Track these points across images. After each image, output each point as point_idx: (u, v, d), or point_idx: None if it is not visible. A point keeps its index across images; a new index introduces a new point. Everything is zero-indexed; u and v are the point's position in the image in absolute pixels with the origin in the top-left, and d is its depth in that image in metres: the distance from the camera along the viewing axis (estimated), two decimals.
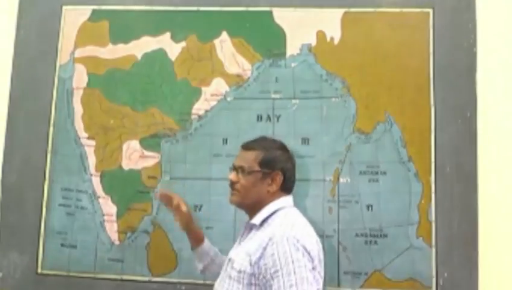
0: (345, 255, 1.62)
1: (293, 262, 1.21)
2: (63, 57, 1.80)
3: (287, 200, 1.39)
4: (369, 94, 1.66)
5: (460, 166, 1.60)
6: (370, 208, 1.62)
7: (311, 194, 1.64)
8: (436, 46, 1.65)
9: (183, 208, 1.50)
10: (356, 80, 1.67)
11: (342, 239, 1.62)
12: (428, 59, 1.65)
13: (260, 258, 1.25)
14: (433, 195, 1.60)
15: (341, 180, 1.64)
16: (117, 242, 1.71)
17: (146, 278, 1.68)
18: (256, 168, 1.37)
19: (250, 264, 1.26)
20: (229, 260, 1.33)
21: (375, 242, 1.61)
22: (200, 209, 1.65)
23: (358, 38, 1.68)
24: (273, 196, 1.38)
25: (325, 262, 1.56)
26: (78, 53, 1.79)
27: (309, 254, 1.24)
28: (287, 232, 1.26)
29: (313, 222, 1.58)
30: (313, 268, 1.24)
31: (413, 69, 1.65)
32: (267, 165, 1.37)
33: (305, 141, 1.66)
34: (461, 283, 1.57)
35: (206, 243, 1.53)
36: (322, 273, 1.31)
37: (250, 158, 1.39)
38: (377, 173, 1.63)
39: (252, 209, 1.38)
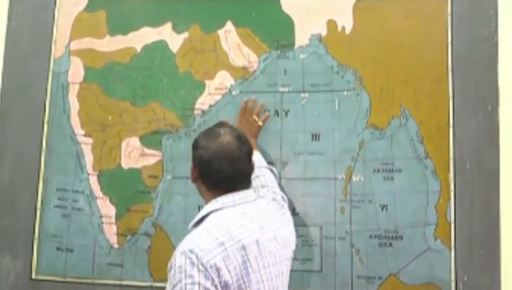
0: (358, 258, 1.61)
1: (185, 278, 1.16)
2: (57, 50, 1.80)
3: (226, 200, 1.30)
4: (383, 87, 1.64)
5: (482, 162, 1.59)
6: (385, 208, 1.61)
7: (322, 194, 1.63)
8: (454, 35, 1.63)
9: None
10: (369, 72, 1.65)
11: (355, 241, 1.61)
12: (446, 49, 1.63)
13: (170, 267, 1.21)
14: (452, 194, 1.59)
15: (354, 178, 1.63)
16: (116, 245, 1.71)
17: (147, 284, 1.68)
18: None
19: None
20: None
21: (390, 244, 1.60)
22: None
23: (372, 27, 1.67)
24: (210, 196, 1.33)
25: (337, 266, 1.61)
26: (74, 45, 1.79)
27: (206, 269, 1.16)
28: (188, 244, 1.19)
29: (324, 223, 1.62)
30: (220, 285, 1.18)
31: (430, 60, 1.63)
32: (192, 154, 1.36)
33: (315, 137, 1.65)
34: (482, 288, 1.56)
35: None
36: (258, 284, 1.24)
37: None
38: (391, 170, 1.62)
39: None
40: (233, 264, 1.20)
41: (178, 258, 1.18)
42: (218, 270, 1.17)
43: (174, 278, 1.17)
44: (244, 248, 1.22)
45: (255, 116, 1.65)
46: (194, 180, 1.37)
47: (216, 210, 1.29)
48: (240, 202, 1.31)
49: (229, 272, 1.19)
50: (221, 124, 1.41)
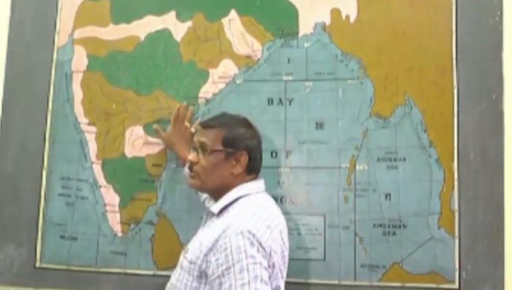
0: (361, 247, 1.62)
1: (246, 258, 1.18)
2: (61, 39, 1.81)
3: (253, 186, 1.37)
4: (387, 76, 1.65)
5: (486, 151, 1.59)
6: (388, 197, 1.62)
7: (326, 183, 1.64)
8: (459, 24, 1.63)
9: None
10: (373, 61, 1.66)
11: (359, 230, 1.62)
12: (451, 38, 1.63)
13: (211, 250, 1.23)
14: (456, 183, 1.60)
15: (357, 167, 1.64)
16: (120, 234, 1.73)
17: (151, 272, 1.70)
18: (219, 147, 1.35)
19: (201, 257, 1.24)
20: (185, 248, 1.33)
21: (394, 233, 1.61)
22: None
23: (376, 16, 1.67)
24: (237, 179, 1.36)
25: (341, 254, 1.62)
26: (78, 34, 1.81)
27: (264, 250, 1.21)
28: (242, 225, 1.22)
29: (327, 212, 1.63)
30: (271, 266, 1.22)
31: (434, 49, 1.64)
32: (231, 144, 1.35)
33: (319, 125, 1.66)
34: (486, 276, 1.56)
35: None
36: (285, 270, 1.31)
37: (211, 136, 1.36)
38: (395, 159, 1.63)
39: (216, 193, 1.37)
40: (277, 247, 1.25)
41: (234, 239, 1.19)
42: (271, 251, 1.22)
43: (228, 259, 1.18)
44: (281, 232, 1.29)
45: (187, 123, 1.66)
46: (240, 171, 1.37)
47: (245, 195, 1.34)
48: (260, 190, 1.38)
49: (276, 254, 1.24)
50: (230, 114, 1.46)
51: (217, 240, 1.22)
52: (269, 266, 1.22)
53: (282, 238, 1.29)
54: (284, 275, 1.33)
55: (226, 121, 1.40)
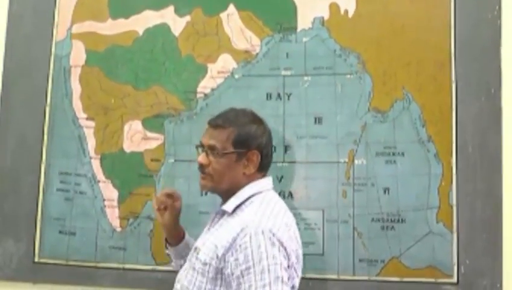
0: (360, 241, 1.62)
1: (267, 258, 1.14)
2: (59, 33, 1.82)
3: (264, 183, 1.34)
4: (386, 70, 1.66)
5: (484, 146, 1.60)
6: (387, 192, 1.63)
7: (324, 177, 1.65)
8: (457, 19, 1.63)
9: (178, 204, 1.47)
10: (372, 56, 1.66)
11: (357, 224, 1.63)
12: (450, 32, 1.64)
13: (229, 250, 1.19)
14: (454, 177, 1.60)
15: (356, 162, 1.64)
16: (119, 229, 1.73)
17: (149, 267, 1.70)
18: (230, 149, 1.31)
19: (217, 257, 1.21)
20: (195, 249, 1.29)
21: (393, 228, 1.62)
22: (206, 194, 1.65)
23: (375, 10, 1.68)
24: (249, 178, 1.32)
25: (339, 249, 1.62)
26: (76, 29, 1.81)
27: (285, 249, 1.19)
28: (262, 223, 1.20)
29: (326, 207, 1.64)
30: (289, 266, 1.20)
31: (433, 43, 1.64)
32: (242, 144, 1.31)
33: (317, 120, 1.67)
34: (484, 271, 1.57)
35: (187, 236, 1.48)
36: (300, 270, 1.29)
37: (222, 138, 1.31)
38: (394, 154, 1.63)
39: (227, 194, 1.33)
40: (294, 246, 1.24)
41: (254, 238, 1.17)
42: (291, 250, 1.21)
43: (248, 259, 1.15)
44: (295, 230, 1.28)
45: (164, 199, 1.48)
46: (253, 171, 1.33)
47: (258, 193, 1.31)
48: (270, 187, 1.36)
49: (293, 252, 1.23)
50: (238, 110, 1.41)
51: (235, 239, 1.19)
52: (289, 266, 1.20)
53: (296, 237, 1.28)
54: (299, 274, 1.29)
55: (235, 119, 1.34)
